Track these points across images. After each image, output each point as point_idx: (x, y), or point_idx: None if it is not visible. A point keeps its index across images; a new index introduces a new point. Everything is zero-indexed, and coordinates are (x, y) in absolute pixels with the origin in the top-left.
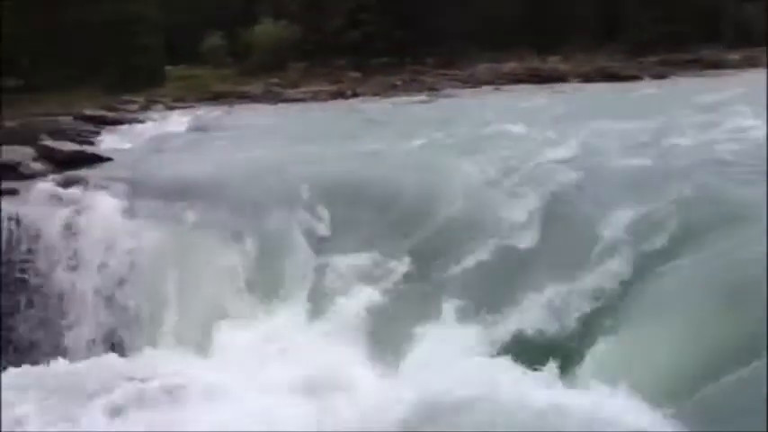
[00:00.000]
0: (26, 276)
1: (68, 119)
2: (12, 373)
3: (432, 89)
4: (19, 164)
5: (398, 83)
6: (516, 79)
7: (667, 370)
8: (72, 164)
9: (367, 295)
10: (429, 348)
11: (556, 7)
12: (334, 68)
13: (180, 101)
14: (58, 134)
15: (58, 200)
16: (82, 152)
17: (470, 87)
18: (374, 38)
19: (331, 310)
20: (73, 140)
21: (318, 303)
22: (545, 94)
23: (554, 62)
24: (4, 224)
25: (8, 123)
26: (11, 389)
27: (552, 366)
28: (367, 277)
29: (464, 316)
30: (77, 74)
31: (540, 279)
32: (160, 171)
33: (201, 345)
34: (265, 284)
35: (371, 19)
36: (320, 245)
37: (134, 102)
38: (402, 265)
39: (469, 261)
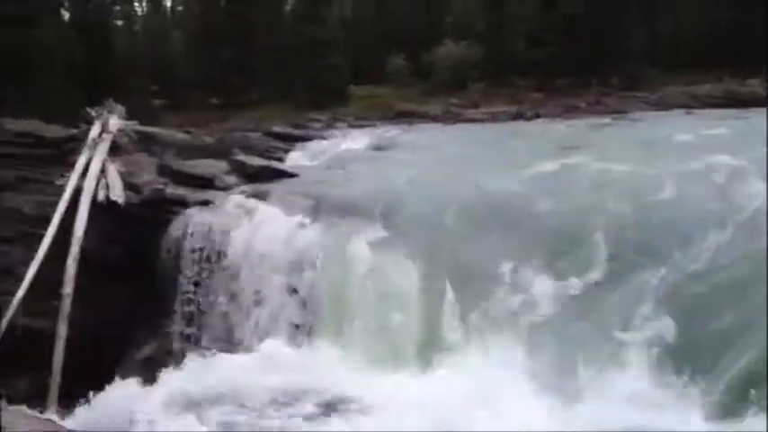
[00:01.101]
0: (211, 281)
1: (259, 135)
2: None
3: (617, 112)
4: (214, 176)
5: (582, 104)
6: (711, 103)
7: None
8: (260, 178)
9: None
10: (615, 376)
11: (754, 26)
12: (516, 89)
13: (362, 119)
14: (250, 149)
15: (245, 211)
16: (269, 167)
17: (659, 110)
18: (558, 58)
19: (508, 332)
20: (262, 156)
21: (494, 324)
22: (744, 118)
23: (753, 85)
24: (198, 232)
25: (207, 139)
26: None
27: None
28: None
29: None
30: (271, 93)
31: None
32: (340, 187)
33: (372, 358)
34: (435, 304)
35: (555, 38)
36: (495, 266)
37: (319, 120)
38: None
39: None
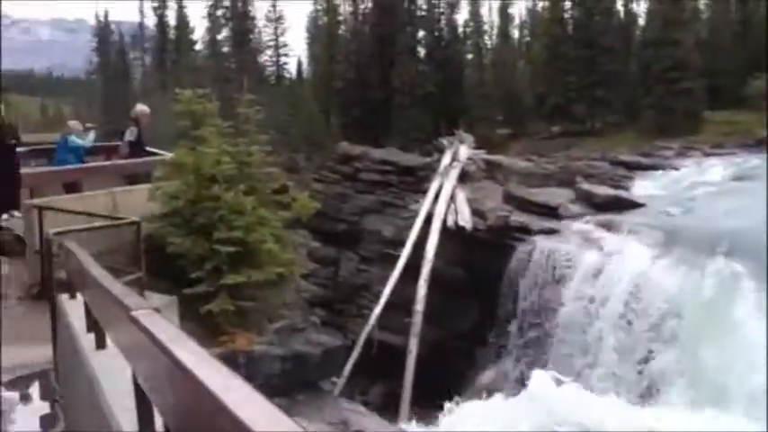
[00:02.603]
0: (552, 309)
1: (603, 163)
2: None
3: None
4: (559, 204)
5: None
6: None
7: None
8: (606, 207)
9: None
10: None
11: None
12: None
13: (718, 147)
14: (594, 178)
15: (592, 241)
16: (617, 197)
17: None
18: None
19: None
20: (606, 184)
21: None
22: None
23: None
24: (543, 260)
25: (550, 167)
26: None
27: None
28: None
29: None
30: (615, 121)
31: None
32: (694, 220)
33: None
34: None
35: None
36: None
37: (668, 148)
38: None
39: None
